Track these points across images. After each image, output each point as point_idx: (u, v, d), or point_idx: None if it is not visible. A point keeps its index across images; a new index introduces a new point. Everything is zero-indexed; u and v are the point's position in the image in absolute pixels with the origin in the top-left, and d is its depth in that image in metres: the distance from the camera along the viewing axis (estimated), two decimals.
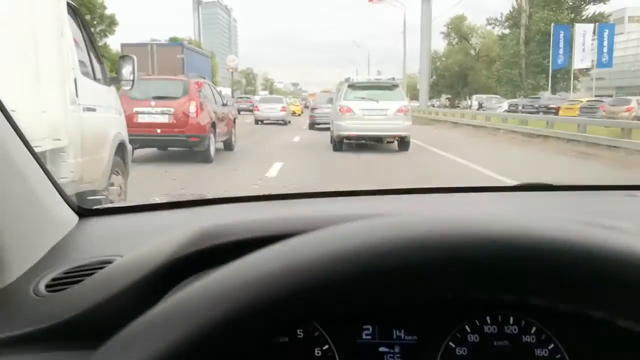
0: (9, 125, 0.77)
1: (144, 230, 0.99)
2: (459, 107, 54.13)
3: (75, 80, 4.19)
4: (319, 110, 20.05)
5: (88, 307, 0.59)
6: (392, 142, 13.03)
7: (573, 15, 45.80)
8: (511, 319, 0.71)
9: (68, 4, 4.26)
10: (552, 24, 41.12)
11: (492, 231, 0.40)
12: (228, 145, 12.06)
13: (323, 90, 45.18)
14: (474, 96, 47.45)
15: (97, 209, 1.07)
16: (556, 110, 27.79)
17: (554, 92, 41.35)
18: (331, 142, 13.15)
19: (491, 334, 0.71)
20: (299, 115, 36.84)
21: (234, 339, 0.37)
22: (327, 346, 0.71)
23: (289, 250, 0.40)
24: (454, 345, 0.71)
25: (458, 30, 60.08)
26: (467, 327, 0.71)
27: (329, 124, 15.91)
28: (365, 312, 0.40)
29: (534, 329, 0.71)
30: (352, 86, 13.11)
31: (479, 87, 55.06)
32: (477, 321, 0.71)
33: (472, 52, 59.56)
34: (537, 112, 27.76)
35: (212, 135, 10.19)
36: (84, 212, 1.01)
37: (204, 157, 9.89)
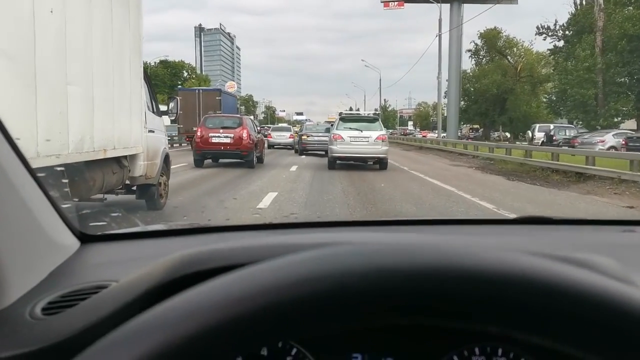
0: (13, 153, 0.80)
1: (142, 257, 1.00)
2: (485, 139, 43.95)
3: (145, 113, 6.73)
4: (310, 138, 23.23)
5: (79, 330, 0.60)
6: (377, 162, 16.52)
7: None
8: (499, 350, 0.72)
9: None
10: None
11: (426, 261, 0.42)
12: (260, 159, 17.60)
13: (327, 120, 48.20)
14: (537, 125, 35.78)
15: (99, 235, 1.11)
16: None
17: None
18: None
19: None
20: None
21: (196, 356, 0.40)
22: None
23: (246, 276, 0.43)
24: None
25: (492, 45, 48.94)
26: (455, 357, 0.72)
27: (319, 150, 21.15)
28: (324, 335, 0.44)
29: None
30: (343, 119, 17.22)
31: (519, 115, 45.14)
32: (465, 352, 0.72)
33: (510, 71, 47.62)
34: None
35: (254, 151, 16.21)
36: (86, 237, 1.05)
37: (249, 164, 15.84)
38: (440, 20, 39.39)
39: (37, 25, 4.06)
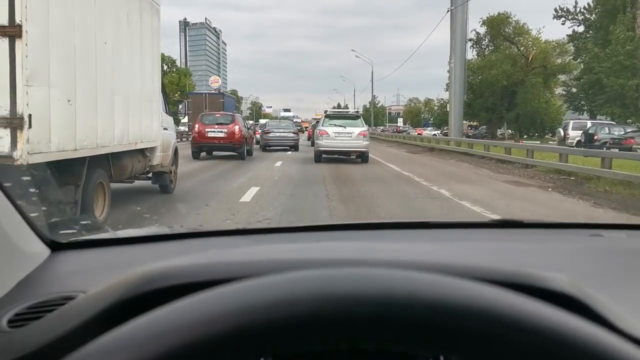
0: None
1: (112, 265, 1.00)
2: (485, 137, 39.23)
3: (161, 114, 8.36)
4: (271, 134, 24.61)
5: (44, 344, 0.59)
6: (359, 156, 17.83)
7: None
8: None
9: None
10: None
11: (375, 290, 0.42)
12: (249, 152, 19.47)
13: (314, 117, 49.56)
14: (570, 122, 29.35)
15: (69, 243, 1.11)
16: None
17: None
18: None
19: None
20: None
21: None
22: None
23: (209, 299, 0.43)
24: None
25: (498, 33, 44.15)
26: None
27: (281, 146, 23.58)
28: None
29: None
30: (328, 116, 19.01)
31: (527, 112, 41.09)
32: None
33: (521, 62, 42.88)
34: None
35: (245, 145, 18.24)
36: (56, 245, 1.04)
37: (240, 157, 17.80)
38: None
39: (98, 53, 5.71)
